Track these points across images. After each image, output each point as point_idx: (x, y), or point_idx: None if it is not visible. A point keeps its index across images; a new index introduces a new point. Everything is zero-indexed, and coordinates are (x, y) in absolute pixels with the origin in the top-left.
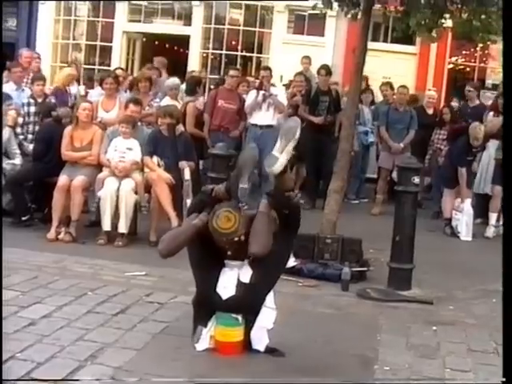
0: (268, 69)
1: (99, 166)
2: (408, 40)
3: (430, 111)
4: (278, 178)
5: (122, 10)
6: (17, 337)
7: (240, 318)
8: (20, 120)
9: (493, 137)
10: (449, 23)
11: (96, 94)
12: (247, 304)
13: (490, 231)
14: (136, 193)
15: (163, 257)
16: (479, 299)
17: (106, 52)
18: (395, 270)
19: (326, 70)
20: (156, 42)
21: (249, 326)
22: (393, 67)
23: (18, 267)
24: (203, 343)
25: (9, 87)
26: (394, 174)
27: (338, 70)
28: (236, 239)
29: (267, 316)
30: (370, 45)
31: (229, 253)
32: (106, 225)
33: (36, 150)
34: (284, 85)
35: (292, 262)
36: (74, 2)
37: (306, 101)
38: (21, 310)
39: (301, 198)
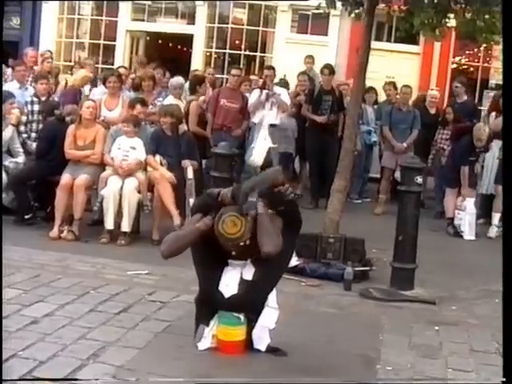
0: (271, 68)
1: (102, 165)
2: (411, 40)
3: (433, 111)
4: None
5: (125, 8)
6: (19, 335)
7: (242, 317)
8: (23, 118)
9: (496, 137)
10: (452, 23)
11: (98, 92)
12: (249, 302)
13: (493, 231)
14: (139, 192)
15: (165, 258)
16: (482, 299)
17: (110, 51)
18: (398, 269)
19: (330, 70)
20: (159, 41)
21: (251, 325)
22: (396, 67)
23: (21, 265)
24: (205, 342)
25: (12, 86)
26: (397, 174)
27: (341, 69)
28: (242, 244)
29: (269, 315)
30: (374, 44)
31: (233, 253)
32: (109, 223)
33: (39, 148)
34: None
35: (295, 261)
36: (77, 1)
37: (309, 100)
38: (23, 309)
39: (295, 192)
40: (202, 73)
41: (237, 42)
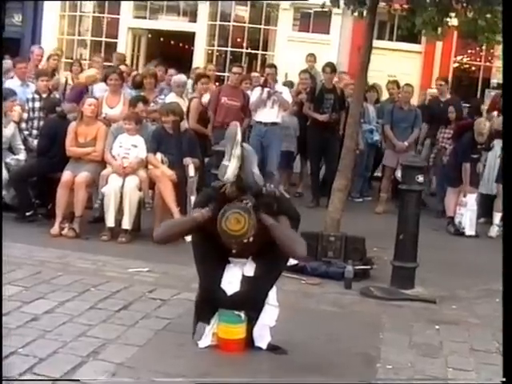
0: (273, 66)
1: (103, 162)
2: (413, 38)
3: None
4: (240, 181)
5: (127, 6)
6: (19, 332)
7: (243, 315)
8: (24, 115)
9: (499, 136)
10: (454, 22)
11: (99, 89)
12: (251, 298)
13: (494, 230)
14: (140, 189)
15: (156, 242)
16: (482, 299)
17: (111, 48)
18: (398, 268)
19: (332, 68)
20: (161, 39)
21: (251, 323)
22: (398, 66)
23: (22, 262)
24: (206, 340)
25: (13, 83)
26: (398, 174)
27: (342, 68)
28: (245, 241)
29: (270, 313)
30: (376, 43)
31: (234, 251)
32: (110, 221)
33: (40, 145)
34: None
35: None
36: (80, 0)
37: (310, 98)
38: (24, 305)
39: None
40: (204, 70)
41: (238, 39)
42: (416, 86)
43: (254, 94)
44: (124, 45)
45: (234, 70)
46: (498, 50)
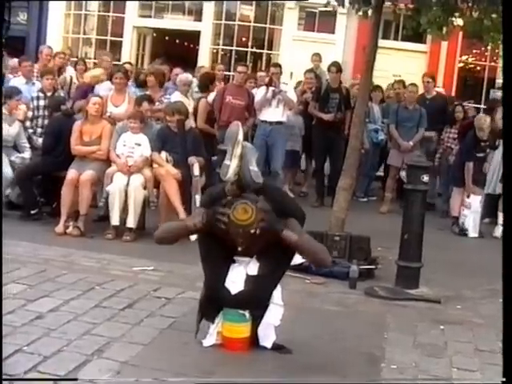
0: (278, 66)
1: (108, 161)
2: (418, 38)
3: None
4: (240, 180)
5: (132, 5)
6: (24, 330)
7: (247, 314)
8: (29, 114)
9: None
10: (459, 22)
11: (104, 88)
12: (255, 297)
13: (499, 230)
14: (145, 188)
15: (156, 242)
16: (487, 299)
17: (117, 47)
18: (403, 268)
19: (337, 68)
20: (166, 38)
21: (256, 322)
22: (403, 65)
23: (26, 261)
24: (210, 339)
25: (19, 81)
26: (403, 174)
27: (348, 67)
28: (252, 231)
29: (274, 313)
30: (381, 43)
31: (239, 249)
32: (115, 219)
33: (45, 143)
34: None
35: (300, 258)
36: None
37: (316, 98)
38: (28, 304)
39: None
40: (209, 70)
41: (243, 39)
42: (421, 85)
43: (259, 94)
44: (129, 43)
45: (239, 69)
46: None
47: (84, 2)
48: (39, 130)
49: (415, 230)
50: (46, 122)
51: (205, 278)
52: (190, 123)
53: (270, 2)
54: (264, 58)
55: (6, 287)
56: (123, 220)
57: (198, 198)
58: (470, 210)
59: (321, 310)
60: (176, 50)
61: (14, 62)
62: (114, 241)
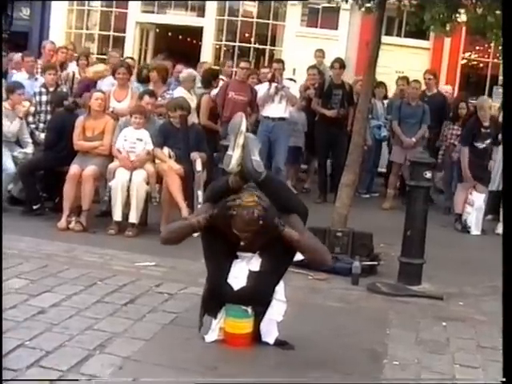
0: (280, 61)
1: (111, 156)
2: (422, 35)
3: None
4: (242, 171)
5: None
6: (26, 325)
7: (250, 309)
8: (32, 109)
9: None
10: (463, 18)
11: (106, 83)
12: (257, 293)
13: (501, 227)
14: (147, 183)
15: (162, 243)
16: (489, 296)
17: (119, 42)
18: (405, 264)
19: (340, 64)
20: (169, 33)
21: (258, 318)
22: (406, 62)
23: (29, 255)
24: (213, 335)
25: (21, 76)
26: (406, 173)
27: (351, 63)
28: (256, 214)
29: (277, 308)
30: (384, 39)
31: (242, 243)
32: (117, 215)
33: (48, 139)
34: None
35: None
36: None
37: (319, 94)
38: (30, 299)
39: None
40: (212, 65)
41: (246, 35)
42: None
43: (262, 89)
44: (132, 39)
45: (242, 65)
46: None
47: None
48: (42, 126)
49: (418, 227)
50: (49, 117)
51: (207, 274)
52: (193, 119)
53: None
54: (267, 54)
55: (9, 282)
56: (125, 215)
57: (200, 193)
58: (473, 207)
59: (323, 306)
60: (179, 45)
61: (18, 57)
62: (116, 236)
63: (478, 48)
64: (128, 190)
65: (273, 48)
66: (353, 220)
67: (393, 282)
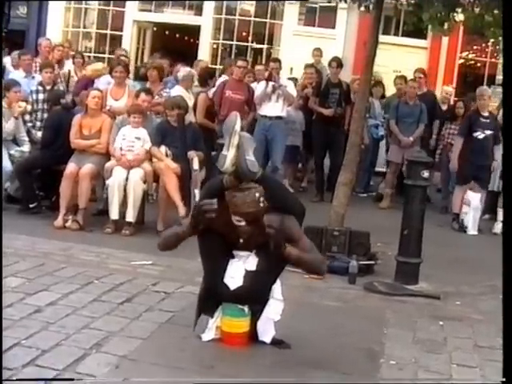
0: (277, 61)
1: (107, 155)
2: (419, 34)
3: (445, 107)
4: (237, 171)
5: None
6: (22, 324)
7: (246, 309)
8: (28, 107)
9: None
10: (460, 17)
11: (103, 82)
12: (254, 292)
13: (498, 227)
14: (144, 182)
15: (160, 250)
16: (487, 295)
17: (117, 41)
18: (403, 263)
19: (338, 63)
20: (166, 32)
21: (255, 317)
22: (403, 61)
23: (25, 254)
24: (209, 333)
25: (18, 74)
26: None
27: (348, 62)
28: (256, 194)
29: (274, 307)
30: (381, 38)
31: (241, 241)
32: (114, 213)
33: (44, 137)
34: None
35: None
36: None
37: (316, 93)
38: (27, 297)
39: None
40: (207, 64)
41: (244, 33)
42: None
43: (259, 88)
44: (129, 38)
45: (239, 63)
46: None
47: None
48: (38, 124)
49: (415, 226)
50: (46, 115)
51: (204, 273)
52: (191, 118)
53: None
54: (264, 53)
55: (5, 280)
56: (122, 214)
57: (197, 192)
58: (470, 206)
59: (320, 305)
60: (176, 44)
61: (15, 55)
62: (113, 235)
63: (475, 47)
64: (125, 189)
65: (270, 47)
66: (350, 219)
67: (390, 281)
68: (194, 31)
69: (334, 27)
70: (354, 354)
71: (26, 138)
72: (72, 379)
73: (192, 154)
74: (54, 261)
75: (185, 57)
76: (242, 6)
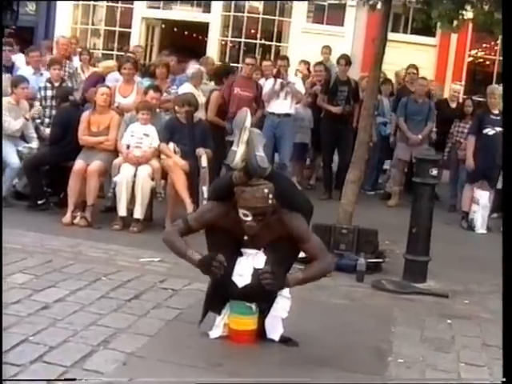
0: (285, 58)
1: (116, 152)
2: (428, 31)
3: (454, 105)
4: (246, 167)
5: None
6: (30, 320)
7: (254, 306)
8: (36, 104)
9: None
10: (469, 15)
11: (111, 79)
12: (262, 290)
13: None
14: (152, 179)
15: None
16: (495, 293)
17: (125, 38)
18: (411, 262)
19: (346, 60)
20: (175, 29)
21: (263, 314)
22: (412, 59)
23: (33, 251)
24: (217, 330)
25: (26, 71)
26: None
27: (357, 60)
28: (266, 190)
29: (282, 305)
30: (390, 35)
31: (246, 238)
32: (122, 210)
33: (53, 134)
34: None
35: None
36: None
37: (324, 90)
38: (35, 294)
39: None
40: (213, 60)
41: (252, 31)
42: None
43: (267, 85)
44: (137, 35)
45: (248, 60)
46: None
47: None
48: (47, 121)
49: (423, 224)
50: (54, 112)
51: None
52: (200, 115)
53: None
54: (273, 50)
55: (13, 277)
56: (130, 211)
57: (205, 189)
58: (479, 205)
59: (328, 303)
60: (184, 41)
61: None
62: (121, 232)
63: (484, 45)
64: (133, 186)
65: (279, 44)
66: (358, 217)
67: (398, 279)
68: (203, 28)
69: (342, 25)
70: (362, 352)
71: (35, 135)
72: (74, 379)
73: (200, 151)
74: (62, 257)
75: (193, 54)
76: (251, 3)
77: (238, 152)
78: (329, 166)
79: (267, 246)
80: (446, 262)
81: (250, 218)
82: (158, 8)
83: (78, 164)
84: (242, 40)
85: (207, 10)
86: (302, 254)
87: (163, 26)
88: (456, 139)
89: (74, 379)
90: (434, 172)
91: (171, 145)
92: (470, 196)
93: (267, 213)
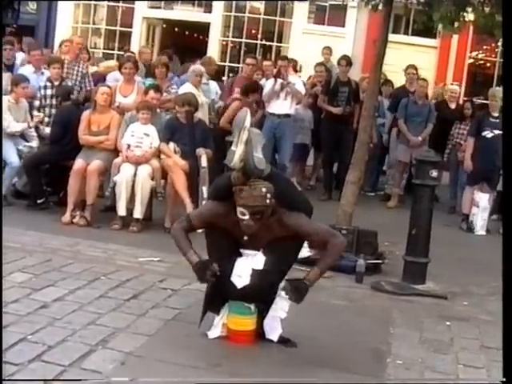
0: (286, 58)
1: (116, 151)
2: (429, 33)
3: (453, 106)
4: (245, 167)
5: None
6: (29, 319)
7: (253, 307)
8: (36, 103)
9: None
10: (470, 17)
11: (112, 78)
12: (261, 291)
13: None
14: (152, 178)
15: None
16: (494, 295)
17: (126, 37)
18: (410, 263)
19: (347, 61)
20: (176, 29)
21: (261, 315)
22: (413, 60)
23: (32, 250)
24: (215, 331)
25: (27, 70)
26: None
27: (358, 61)
28: (263, 189)
29: (281, 305)
30: (391, 37)
31: (245, 238)
32: (121, 210)
33: (53, 133)
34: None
35: (306, 252)
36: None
37: (325, 91)
38: (33, 293)
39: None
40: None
41: (253, 31)
42: (431, 80)
43: (267, 86)
44: (138, 34)
45: (248, 61)
46: None
47: None
48: (47, 120)
49: (423, 226)
50: (54, 111)
51: None
52: (200, 116)
53: None
54: (274, 51)
55: (12, 276)
56: (130, 210)
57: (205, 189)
58: (478, 207)
59: (327, 304)
60: (185, 41)
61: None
62: (120, 231)
63: (485, 47)
64: (133, 185)
65: (279, 45)
66: (358, 218)
67: (397, 280)
68: (204, 28)
69: (343, 26)
70: (361, 353)
71: (35, 134)
72: (70, 380)
73: (200, 151)
74: (61, 256)
75: (194, 54)
76: (252, 3)
77: (237, 152)
78: (329, 167)
79: (266, 246)
80: (446, 263)
81: (247, 217)
82: (159, 8)
83: (78, 163)
84: (243, 40)
85: (208, 10)
86: (301, 255)
87: (164, 25)
88: (456, 141)
89: (70, 380)
90: (434, 174)
91: (171, 145)
92: (470, 198)
93: (265, 212)
